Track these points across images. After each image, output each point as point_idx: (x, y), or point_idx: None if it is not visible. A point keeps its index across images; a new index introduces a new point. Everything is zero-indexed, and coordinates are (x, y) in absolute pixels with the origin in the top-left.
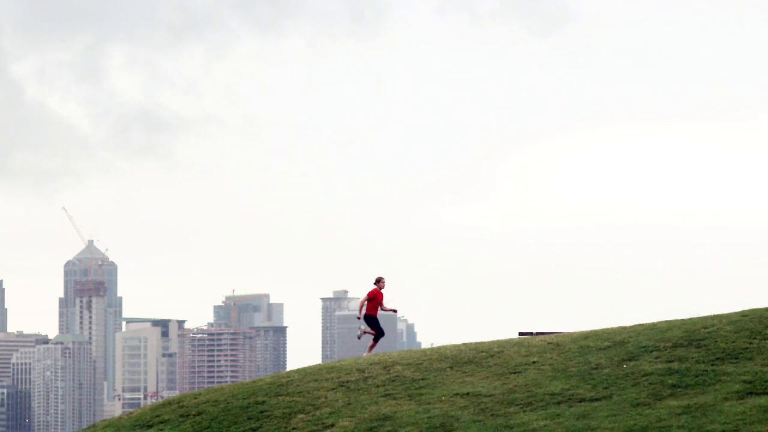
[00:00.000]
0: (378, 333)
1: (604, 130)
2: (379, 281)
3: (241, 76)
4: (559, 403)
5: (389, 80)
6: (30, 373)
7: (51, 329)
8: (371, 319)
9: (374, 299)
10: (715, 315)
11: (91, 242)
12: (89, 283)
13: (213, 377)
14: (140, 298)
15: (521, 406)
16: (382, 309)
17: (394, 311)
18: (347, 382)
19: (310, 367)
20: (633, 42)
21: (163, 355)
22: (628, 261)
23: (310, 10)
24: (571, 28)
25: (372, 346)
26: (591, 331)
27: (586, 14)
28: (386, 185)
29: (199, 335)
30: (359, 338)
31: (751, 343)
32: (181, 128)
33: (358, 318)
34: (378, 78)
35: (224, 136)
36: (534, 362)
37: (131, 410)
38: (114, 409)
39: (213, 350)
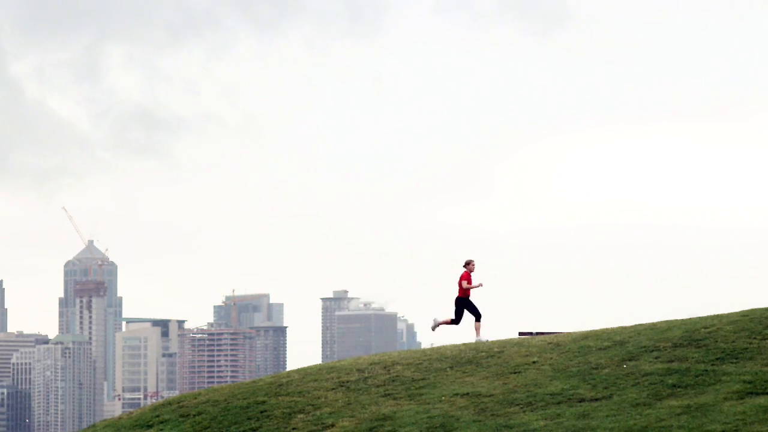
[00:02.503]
0: (474, 313)
1: (604, 129)
2: (468, 263)
3: (240, 75)
4: (559, 403)
5: (388, 79)
6: (30, 373)
7: (51, 329)
8: (464, 302)
9: (466, 282)
10: (715, 315)
11: (91, 242)
12: (89, 283)
13: (213, 377)
14: (140, 298)
15: (521, 406)
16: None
17: (480, 285)
18: (347, 382)
19: (310, 367)
20: (632, 41)
21: (163, 355)
22: (628, 261)
23: (309, 9)
24: (571, 27)
25: (446, 322)
26: (591, 331)
27: (586, 13)
28: (386, 184)
29: (199, 335)
30: (433, 330)
31: (751, 343)
32: (180, 128)
33: (480, 285)
34: (377, 77)
35: (224, 136)
36: (534, 362)
37: (131, 410)
38: (114, 409)
39: (213, 350)
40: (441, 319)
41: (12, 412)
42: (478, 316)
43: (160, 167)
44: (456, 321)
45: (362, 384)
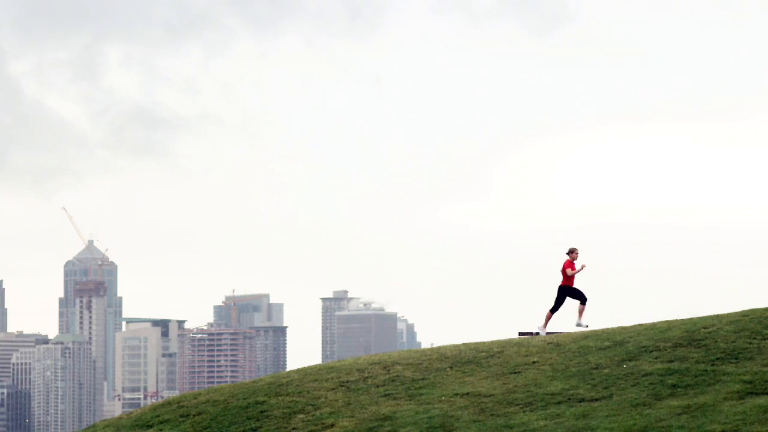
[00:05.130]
0: (580, 297)
1: (603, 129)
2: (572, 252)
3: (239, 74)
4: (559, 403)
5: (387, 79)
6: (30, 373)
7: (51, 329)
8: (568, 290)
9: (570, 269)
10: (715, 315)
11: (91, 242)
12: (89, 283)
13: (213, 377)
14: (140, 298)
15: (521, 406)
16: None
17: (583, 267)
18: (347, 382)
19: (310, 367)
20: (632, 41)
21: (163, 355)
22: (627, 261)
23: (307, 8)
24: (570, 27)
25: (548, 318)
26: (591, 331)
27: (585, 13)
28: (386, 184)
29: (199, 335)
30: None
31: (751, 343)
32: (179, 127)
33: (583, 266)
34: (376, 76)
35: (223, 135)
36: (534, 362)
37: (131, 410)
38: (114, 409)
39: (213, 350)
40: (543, 321)
41: (12, 412)
42: (583, 300)
43: (160, 167)
44: (555, 309)
45: (362, 384)
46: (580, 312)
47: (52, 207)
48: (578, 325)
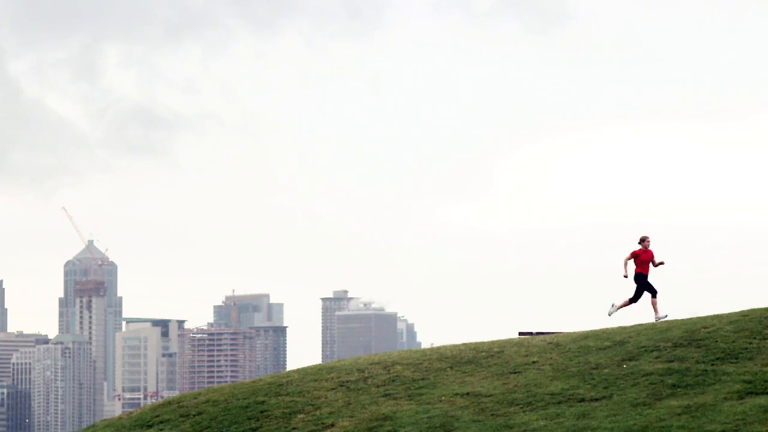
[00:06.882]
0: (646, 292)
1: (602, 129)
2: (643, 240)
3: (238, 74)
4: (559, 403)
5: (387, 78)
6: (30, 373)
7: (51, 329)
8: (640, 278)
9: (638, 258)
10: (715, 315)
11: (91, 242)
12: (89, 283)
13: (213, 377)
14: (140, 298)
15: (521, 406)
16: (654, 265)
17: (662, 263)
18: (347, 382)
19: (310, 367)
20: (631, 41)
21: (163, 355)
22: None
23: (306, 7)
24: (569, 26)
25: (625, 305)
26: (591, 331)
27: (584, 12)
28: (385, 184)
29: (199, 335)
30: (610, 315)
31: (751, 343)
32: (179, 126)
33: (625, 277)
34: (375, 76)
35: (223, 135)
36: (534, 362)
37: (131, 410)
38: (114, 409)
39: (213, 350)
40: (619, 303)
41: (12, 412)
42: (654, 292)
43: (159, 166)
44: (635, 299)
45: (362, 384)
46: (654, 305)
47: (52, 207)
48: (658, 319)
